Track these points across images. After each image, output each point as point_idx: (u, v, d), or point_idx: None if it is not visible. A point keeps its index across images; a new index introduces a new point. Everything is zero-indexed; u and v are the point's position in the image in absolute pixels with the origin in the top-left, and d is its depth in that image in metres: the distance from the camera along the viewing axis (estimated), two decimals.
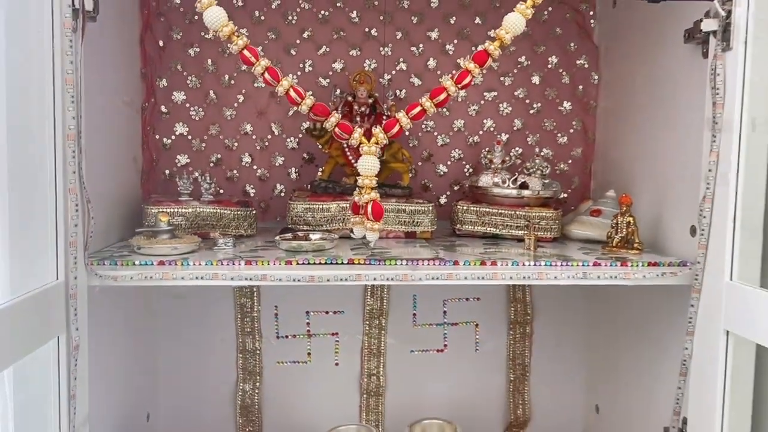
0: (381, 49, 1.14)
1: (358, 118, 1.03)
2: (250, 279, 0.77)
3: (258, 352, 1.16)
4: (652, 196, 0.96)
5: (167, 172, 1.11)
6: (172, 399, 1.15)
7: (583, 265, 0.80)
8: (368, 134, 0.76)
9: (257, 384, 1.16)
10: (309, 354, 1.18)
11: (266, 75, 0.70)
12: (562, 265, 0.81)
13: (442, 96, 0.70)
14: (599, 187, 1.16)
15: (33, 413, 0.66)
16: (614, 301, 1.11)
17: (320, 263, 0.80)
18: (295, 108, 1.09)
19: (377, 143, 0.72)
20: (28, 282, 0.65)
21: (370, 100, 1.04)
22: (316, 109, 0.71)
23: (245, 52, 0.71)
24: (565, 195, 1.17)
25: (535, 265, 0.81)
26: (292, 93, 0.71)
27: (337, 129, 0.71)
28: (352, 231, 0.79)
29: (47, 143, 0.65)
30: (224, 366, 1.16)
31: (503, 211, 1.00)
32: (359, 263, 0.80)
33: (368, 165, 0.71)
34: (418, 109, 0.71)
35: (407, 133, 1.15)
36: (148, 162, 1.09)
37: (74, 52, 0.66)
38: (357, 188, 0.73)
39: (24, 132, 0.65)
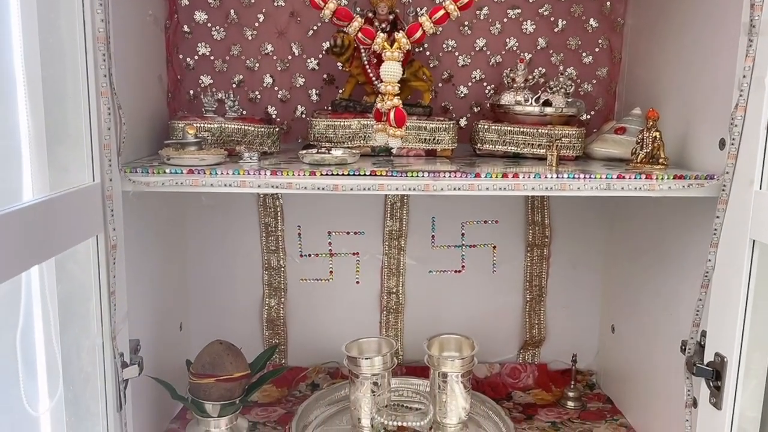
0: None
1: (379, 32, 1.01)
2: (276, 187, 0.79)
3: (282, 269, 1.20)
4: (679, 113, 0.95)
5: (191, 92, 1.12)
6: (203, 311, 1.20)
7: (607, 178, 0.81)
8: (391, 44, 0.75)
9: (282, 300, 1.21)
10: (331, 272, 1.21)
11: None
12: (585, 177, 0.81)
13: None
14: (623, 109, 1.14)
15: (76, 306, 0.70)
16: (633, 222, 1.11)
17: (343, 174, 0.82)
18: (315, 28, 1.11)
19: (400, 48, 0.71)
20: (66, 183, 0.68)
21: (391, 17, 1.02)
22: (339, 13, 0.71)
23: None
24: (588, 117, 1.16)
25: (557, 177, 0.81)
26: None
27: (359, 34, 0.71)
28: (374, 139, 0.80)
29: (78, 44, 0.66)
30: (251, 282, 1.20)
31: (525, 130, 0.99)
32: (382, 175, 0.81)
33: (391, 70, 0.71)
34: (442, 12, 0.70)
35: (427, 53, 1.14)
36: (173, 81, 1.10)
37: None
38: (380, 95, 0.74)
39: (55, 33, 0.66)
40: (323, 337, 1.22)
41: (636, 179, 0.81)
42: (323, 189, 0.79)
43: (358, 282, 1.22)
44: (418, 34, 0.72)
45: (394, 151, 0.82)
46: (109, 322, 0.71)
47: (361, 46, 0.97)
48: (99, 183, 0.70)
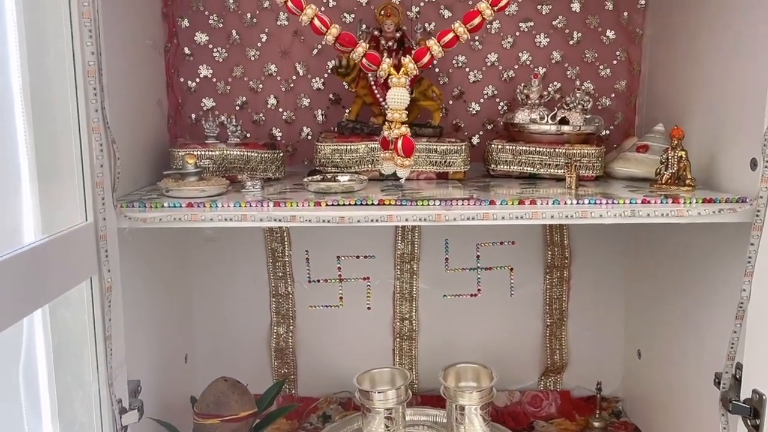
0: None
1: (385, 54, 0.97)
2: (279, 220, 0.75)
3: (291, 296, 1.16)
4: (705, 129, 0.89)
5: (193, 116, 1.09)
6: (209, 341, 1.16)
7: (630, 203, 0.76)
8: (397, 68, 0.71)
9: (291, 327, 1.17)
10: (341, 298, 1.17)
11: (289, 3, 0.66)
12: (607, 203, 0.76)
13: (477, 20, 0.65)
14: (644, 123, 1.09)
15: (71, 354, 0.67)
16: (658, 243, 1.06)
17: (350, 204, 0.77)
18: (319, 47, 1.08)
19: (407, 74, 0.67)
20: (58, 224, 0.64)
21: (398, 34, 0.98)
22: (342, 38, 0.67)
23: None
24: (607, 132, 1.11)
25: (578, 203, 0.76)
26: (317, 22, 0.66)
27: (364, 60, 0.67)
28: (381, 169, 0.75)
29: (68, 80, 0.63)
30: (258, 310, 1.16)
31: (541, 149, 0.95)
32: (390, 204, 0.77)
33: (398, 98, 0.67)
34: (451, 35, 0.66)
35: (437, 70, 1.10)
36: (174, 106, 1.07)
37: None
38: (386, 123, 0.70)
39: (44, 69, 0.63)
40: (334, 365, 1.17)
41: (662, 204, 0.76)
42: (329, 221, 0.74)
43: (369, 308, 1.18)
44: (426, 59, 0.67)
45: (402, 180, 0.78)
46: (105, 368, 0.67)
47: None
48: (92, 223, 0.66)
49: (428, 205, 0.77)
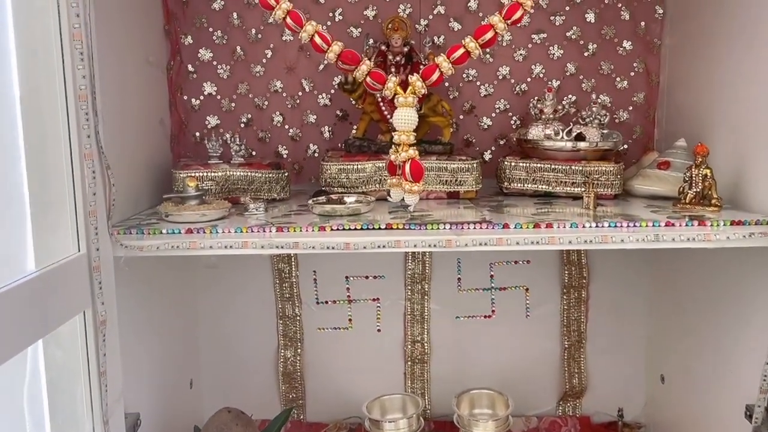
0: None
1: (393, 69, 0.94)
2: (282, 247, 0.72)
3: (298, 318, 1.13)
4: (730, 144, 0.84)
5: (197, 134, 1.06)
6: (215, 366, 1.13)
7: (653, 226, 0.71)
8: (404, 85, 0.68)
9: (299, 350, 1.13)
10: (350, 320, 1.13)
11: (288, 20, 0.63)
12: (629, 226, 0.72)
13: (489, 35, 0.61)
14: (664, 137, 1.05)
15: (64, 392, 0.64)
16: (681, 262, 1.01)
17: (356, 229, 0.74)
18: (325, 62, 1.04)
19: (414, 93, 0.63)
20: (52, 255, 0.62)
21: (406, 49, 0.95)
22: (345, 56, 0.63)
23: None
24: (625, 146, 1.06)
25: (597, 226, 0.72)
26: (318, 39, 0.63)
27: (368, 78, 0.64)
28: (389, 194, 0.72)
29: (59, 106, 0.60)
30: (265, 332, 1.13)
31: (557, 167, 0.91)
32: (398, 228, 0.74)
33: (405, 118, 0.63)
34: (461, 51, 0.62)
35: (446, 83, 1.06)
36: (177, 124, 1.05)
37: (81, 5, 0.60)
38: (393, 146, 0.66)
39: (35, 95, 0.61)
40: (344, 390, 1.13)
41: (687, 227, 0.71)
42: (333, 248, 0.71)
43: (379, 330, 1.14)
44: (435, 76, 0.64)
45: (410, 208, 0.74)
46: (100, 405, 0.64)
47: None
48: (85, 253, 0.63)
49: (438, 229, 0.73)
